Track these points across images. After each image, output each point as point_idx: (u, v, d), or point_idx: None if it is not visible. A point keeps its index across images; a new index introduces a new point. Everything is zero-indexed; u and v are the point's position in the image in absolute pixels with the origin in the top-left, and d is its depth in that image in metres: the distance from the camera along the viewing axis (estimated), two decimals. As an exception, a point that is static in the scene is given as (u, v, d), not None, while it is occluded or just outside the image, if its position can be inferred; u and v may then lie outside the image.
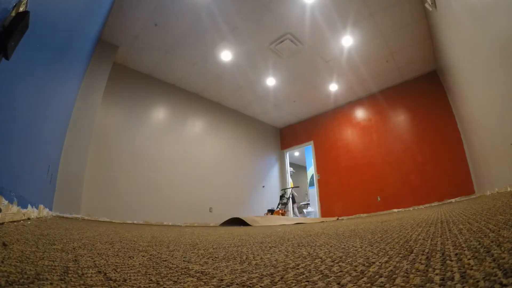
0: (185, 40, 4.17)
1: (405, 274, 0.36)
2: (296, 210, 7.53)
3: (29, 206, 1.53)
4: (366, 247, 0.64)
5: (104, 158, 4.02)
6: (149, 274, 0.46)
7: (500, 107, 2.01)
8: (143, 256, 0.66)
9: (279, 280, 0.40)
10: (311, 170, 8.28)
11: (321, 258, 0.56)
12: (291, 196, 7.00)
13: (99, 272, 0.46)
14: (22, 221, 1.31)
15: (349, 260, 0.50)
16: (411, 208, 4.73)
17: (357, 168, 5.98)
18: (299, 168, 11.27)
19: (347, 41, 4.37)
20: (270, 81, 5.50)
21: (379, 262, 0.45)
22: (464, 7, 2.20)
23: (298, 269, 0.47)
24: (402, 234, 0.81)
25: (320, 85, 5.75)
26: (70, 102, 2.97)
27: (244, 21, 3.89)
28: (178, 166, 5.01)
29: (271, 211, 6.03)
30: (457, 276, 0.31)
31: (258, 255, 0.67)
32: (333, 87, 5.82)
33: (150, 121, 4.88)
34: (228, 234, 1.58)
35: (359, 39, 4.34)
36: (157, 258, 0.64)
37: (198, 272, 0.48)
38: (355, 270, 0.42)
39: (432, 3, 3.04)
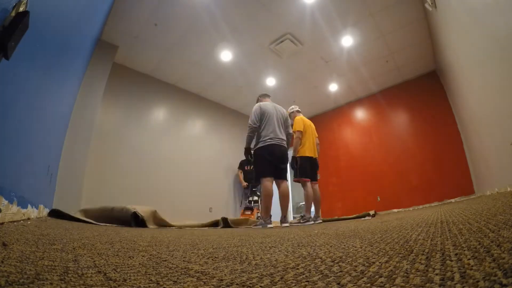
0: (185, 40, 4.17)
1: (405, 274, 0.36)
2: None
3: (29, 206, 1.53)
4: (366, 247, 0.64)
5: (104, 158, 4.02)
6: (149, 274, 0.46)
7: (500, 107, 2.01)
8: (143, 256, 0.66)
9: (279, 280, 0.40)
10: (311, 170, 8.27)
11: (321, 258, 0.56)
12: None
13: (99, 272, 0.46)
14: (22, 221, 1.31)
15: (349, 260, 0.50)
16: (411, 208, 4.72)
17: (357, 168, 5.98)
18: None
19: (347, 41, 4.37)
20: (270, 81, 5.50)
21: (379, 262, 0.45)
22: (464, 7, 2.20)
23: (298, 269, 0.47)
24: (402, 234, 0.81)
25: (320, 85, 5.75)
26: (70, 102, 2.97)
27: (244, 21, 3.89)
28: (178, 166, 5.01)
29: None
30: (457, 276, 0.31)
31: (258, 255, 0.67)
32: (333, 87, 5.82)
33: (150, 121, 4.88)
34: (228, 234, 1.58)
35: (359, 39, 4.34)
36: (157, 258, 0.64)
37: (198, 272, 0.48)
38: (355, 270, 0.42)
39: (432, 3, 3.04)
